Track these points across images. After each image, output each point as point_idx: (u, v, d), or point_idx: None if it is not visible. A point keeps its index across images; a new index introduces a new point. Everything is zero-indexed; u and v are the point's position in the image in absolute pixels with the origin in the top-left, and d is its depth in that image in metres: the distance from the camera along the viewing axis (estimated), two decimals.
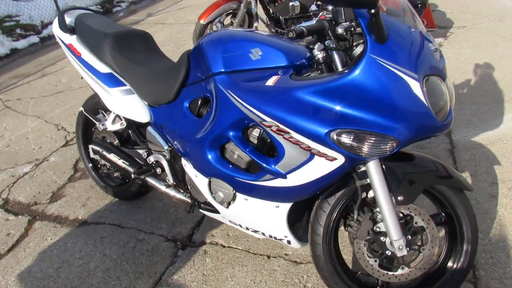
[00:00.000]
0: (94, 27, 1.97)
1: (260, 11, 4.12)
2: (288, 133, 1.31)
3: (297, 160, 1.36)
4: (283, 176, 1.41)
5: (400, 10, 1.41)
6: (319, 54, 1.33)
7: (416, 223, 1.47)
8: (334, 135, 1.23)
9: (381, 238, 1.47)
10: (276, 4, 4.19)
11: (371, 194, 1.46)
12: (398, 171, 1.41)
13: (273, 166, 1.41)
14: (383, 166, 1.40)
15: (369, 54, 1.18)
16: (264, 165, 1.43)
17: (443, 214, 1.52)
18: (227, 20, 4.14)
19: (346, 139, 1.23)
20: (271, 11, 4.24)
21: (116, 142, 2.16)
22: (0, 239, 2.19)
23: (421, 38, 1.27)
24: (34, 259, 2.03)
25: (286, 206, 1.51)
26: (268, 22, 4.22)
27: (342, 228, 1.61)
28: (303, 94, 1.27)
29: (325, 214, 1.50)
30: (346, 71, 1.22)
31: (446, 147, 2.55)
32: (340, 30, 1.20)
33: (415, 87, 1.19)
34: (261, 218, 1.59)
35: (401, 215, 1.48)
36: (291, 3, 4.07)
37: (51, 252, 2.06)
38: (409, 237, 1.46)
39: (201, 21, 3.94)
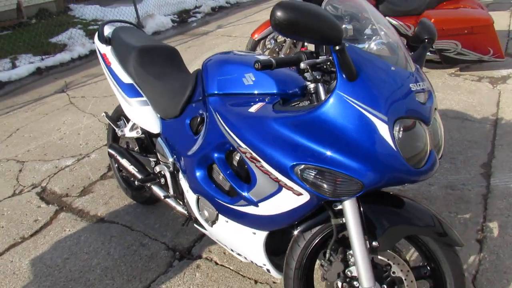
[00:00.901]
0: (125, 40, 2.11)
1: None
2: (259, 161, 1.30)
3: (267, 190, 1.34)
4: (255, 204, 1.39)
5: (397, 45, 1.33)
6: (310, 84, 1.30)
7: (394, 272, 1.37)
8: (298, 170, 1.20)
9: (354, 283, 1.39)
10: None
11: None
12: (377, 214, 1.32)
13: (246, 193, 1.40)
14: (361, 207, 1.32)
15: (337, 91, 1.14)
16: (239, 190, 1.42)
17: (428, 267, 1.39)
18: (280, 38, 4.17)
19: (309, 175, 1.18)
20: None
21: (136, 148, 2.28)
22: (28, 224, 2.41)
23: (403, 78, 1.19)
24: (49, 247, 2.21)
25: (262, 234, 1.49)
26: None
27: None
28: (275, 124, 1.25)
29: (299, 249, 1.45)
30: (316, 105, 1.18)
31: (480, 191, 2.33)
32: (302, 65, 1.16)
33: (383, 129, 1.11)
34: (241, 242, 1.58)
35: (377, 261, 1.38)
36: (343, 26, 3.99)
37: (65, 243, 2.23)
38: (385, 286, 1.36)
39: (253, 38, 4.01)
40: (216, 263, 2.00)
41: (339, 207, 1.35)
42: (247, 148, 1.32)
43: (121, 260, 2.07)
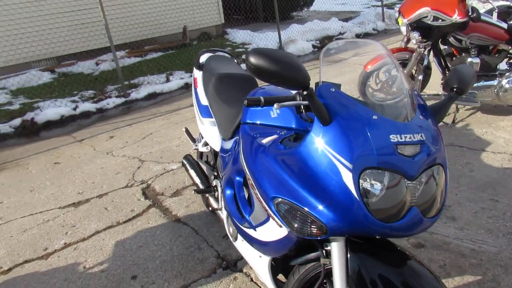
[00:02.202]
0: (212, 67, 2.43)
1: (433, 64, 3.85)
2: (255, 189, 1.41)
3: (261, 217, 1.43)
4: (254, 228, 1.49)
5: (402, 93, 1.29)
6: None
7: None
8: (276, 202, 1.27)
9: None
10: (454, 58, 3.83)
11: None
12: (362, 262, 1.28)
13: (248, 216, 1.52)
14: (348, 253, 1.30)
15: (311, 133, 1.18)
16: (244, 212, 1.55)
17: None
18: (394, 71, 4.02)
19: (282, 208, 1.25)
20: (449, 65, 3.90)
21: (212, 162, 2.57)
22: (125, 212, 2.92)
23: (384, 128, 1.14)
24: (132, 234, 2.65)
25: (266, 258, 1.57)
26: (443, 76, 3.90)
27: None
28: (268, 156, 1.35)
29: (293, 281, 1.49)
30: (299, 144, 1.24)
31: None
32: (275, 106, 1.22)
33: (347, 177, 1.11)
34: (253, 262, 1.69)
35: None
36: (469, 59, 3.66)
37: (144, 233, 2.64)
38: None
39: (366, 69, 3.97)
40: (252, 280, 2.12)
41: (329, 247, 1.36)
42: (249, 175, 1.44)
43: (177, 258, 2.36)
